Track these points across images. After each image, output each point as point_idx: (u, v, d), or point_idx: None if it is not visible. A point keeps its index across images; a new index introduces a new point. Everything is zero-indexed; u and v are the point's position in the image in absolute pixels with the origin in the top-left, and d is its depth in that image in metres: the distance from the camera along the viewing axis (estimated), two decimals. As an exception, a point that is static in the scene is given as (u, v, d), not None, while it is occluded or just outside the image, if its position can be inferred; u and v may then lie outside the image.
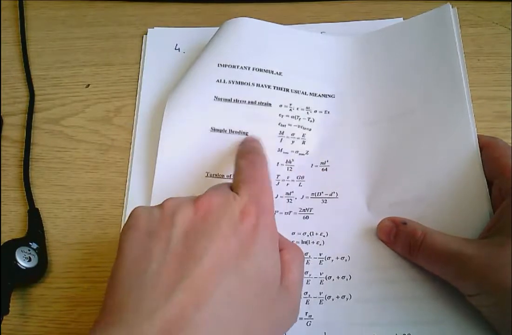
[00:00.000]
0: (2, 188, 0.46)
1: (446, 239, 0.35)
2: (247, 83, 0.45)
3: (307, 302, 0.38)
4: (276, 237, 0.33)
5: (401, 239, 0.38)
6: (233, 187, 0.34)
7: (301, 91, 0.46)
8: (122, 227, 0.38)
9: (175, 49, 0.52)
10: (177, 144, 0.44)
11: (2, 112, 0.50)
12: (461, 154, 0.39)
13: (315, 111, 0.45)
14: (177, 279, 0.28)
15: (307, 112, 0.45)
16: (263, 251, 0.31)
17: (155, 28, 0.53)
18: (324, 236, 0.40)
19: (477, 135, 0.39)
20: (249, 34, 0.46)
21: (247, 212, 0.31)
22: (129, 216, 0.33)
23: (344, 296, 0.38)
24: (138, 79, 0.51)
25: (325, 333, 0.37)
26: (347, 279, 0.38)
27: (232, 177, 0.42)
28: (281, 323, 0.32)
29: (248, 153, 0.37)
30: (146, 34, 0.53)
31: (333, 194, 0.42)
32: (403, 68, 0.44)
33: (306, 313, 0.37)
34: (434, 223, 0.37)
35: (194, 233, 0.30)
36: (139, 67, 0.51)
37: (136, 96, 0.50)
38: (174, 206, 0.32)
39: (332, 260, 0.39)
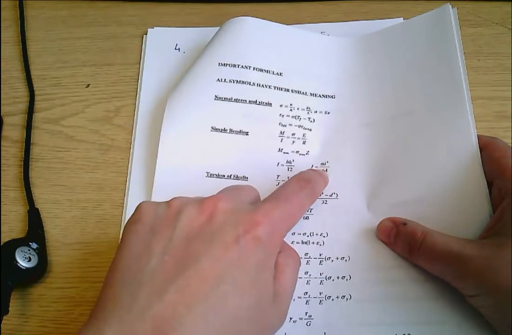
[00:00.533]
0: (2, 188, 0.46)
1: (446, 240, 0.35)
2: (248, 83, 0.45)
3: (307, 302, 0.38)
4: (275, 256, 0.32)
5: (401, 240, 0.37)
6: (265, 198, 0.35)
7: (302, 92, 0.46)
8: (122, 227, 0.39)
9: (175, 49, 0.52)
10: (177, 143, 0.43)
11: (2, 112, 0.50)
12: (461, 154, 0.39)
13: (315, 112, 0.45)
14: (172, 278, 0.28)
15: (308, 112, 0.45)
16: (261, 266, 0.30)
17: (155, 28, 0.53)
18: (324, 236, 0.40)
19: (477, 135, 0.39)
20: (250, 33, 0.46)
21: (255, 225, 0.31)
22: (135, 210, 0.33)
23: (344, 296, 0.38)
24: (138, 79, 0.51)
25: (325, 333, 0.37)
26: (347, 279, 0.38)
27: (232, 177, 0.43)
28: (268, 331, 0.32)
29: (306, 180, 0.38)
30: (146, 34, 0.53)
31: (333, 194, 0.42)
32: (403, 69, 0.44)
33: (306, 313, 0.37)
34: (434, 223, 0.37)
35: (195, 235, 0.30)
36: (139, 67, 0.51)
37: (136, 96, 0.50)
38: (180, 205, 0.32)
39: (332, 261, 0.39)
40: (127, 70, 0.52)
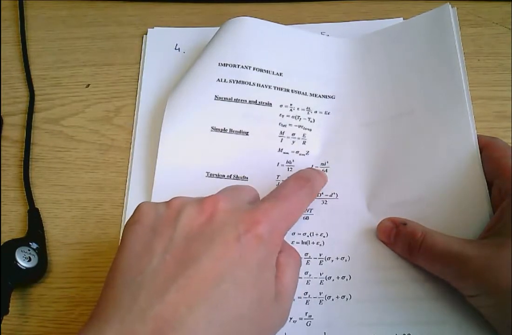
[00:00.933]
0: (2, 188, 0.46)
1: (446, 240, 0.35)
2: (248, 83, 0.45)
3: (307, 302, 0.38)
4: (276, 255, 0.32)
5: (401, 240, 0.37)
6: (264, 197, 0.35)
7: (302, 92, 0.46)
8: (122, 227, 0.39)
9: (175, 49, 0.52)
10: (177, 143, 0.43)
11: (2, 112, 0.50)
12: (461, 154, 0.39)
13: (315, 112, 0.45)
14: (172, 278, 0.28)
15: (308, 112, 0.45)
16: (262, 265, 0.30)
17: (155, 28, 0.53)
18: (324, 236, 0.40)
19: (477, 135, 0.39)
20: (250, 33, 0.46)
21: (255, 224, 0.31)
22: (134, 211, 0.33)
23: (344, 296, 0.38)
24: (138, 79, 0.51)
25: (325, 333, 0.37)
26: (347, 279, 0.38)
27: (232, 177, 0.43)
28: (270, 331, 0.32)
29: (305, 179, 0.38)
30: (146, 34, 0.53)
31: (333, 195, 0.42)
32: (402, 69, 0.44)
33: (306, 313, 0.37)
34: (434, 223, 0.37)
35: (195, 235, 0.30)
36: (139, 67, 0.51)
37: (136, 96, 0.50)
38: (180, 205, 0.32)
39: (332, 261, 0.39)
40: (127, 70, 0.52)
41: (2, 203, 0.46)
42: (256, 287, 0.30)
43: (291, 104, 0.45)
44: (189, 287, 0.28)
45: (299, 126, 0.45)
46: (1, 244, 0.41)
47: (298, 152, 0.44)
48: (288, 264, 0.33)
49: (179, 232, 0.30)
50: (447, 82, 0.41)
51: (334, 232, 0.40)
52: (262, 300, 0.30)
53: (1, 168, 0.47)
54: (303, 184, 0.37)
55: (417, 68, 0.44)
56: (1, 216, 0.45)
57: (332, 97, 0.46)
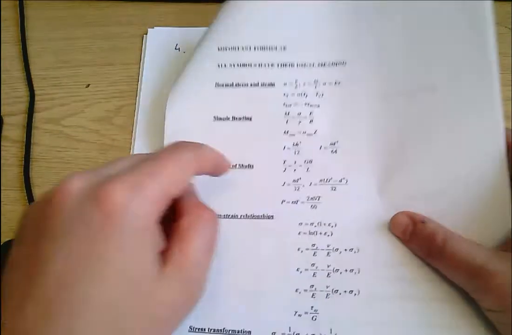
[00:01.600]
0: (2, 188, 0.46)
1: (470, 249, 0.33)
2: (249, 65, 0.43)
3: (313, 295, 0.37)
4: (153, 226, 0.28)
5: (418, 239, 0.36)
6: None
7: (308, 64, 0.43)
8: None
9: (175, 49, 0.52)
10: (180, 135, 0.42)
11: (2, 112, 0.50)
12: (487, 147, 0.36)
13: (324, 84, 0.42)
14: (27, 289, 0.26)
15: (315, 86, 0.42)
16: (124, 248, 0.26)
17: (155, 28, 0.53)
18: (332, 226, 0.39)
19: (505, 128, 0.36)
20: (248, 13, 0.43)
21: (106, 195, 0.26)
22: None
23: (352, 291, 0.36)
24: (138, 79, 0.51)
25: (331, 329, 0.36)
26: (355, 273, 0.37)
27: (237, 166, 0.42)
28: (169, 313, 0.28)
29: (190, 144, 0.33)
30: (146, 34, 0.53)
31: (342, 180, 0.40)
32: (426, 33, 0.39)
33: (312, 307, 0.36)
34: (450, 218, 0.36)
35: (40, 231, 0.28)
36: (139, 67, 0.51)
37: (136, 96, 0.50)
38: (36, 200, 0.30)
39: (340, 252, 0.38)
40: (127, 70, 0.52)
41: (2, 203, 0.45)
42: (123, 276, 0.26)
43: (296, 80, 0.42)
44: (42, 297, 0.25)
45: (305, 104, 0.42)
46: (1, 244, 0.41)
47: (305, 132, 0.41)
48: (194, 229, 0.30)
49: (22, 232, 0.29)
50: (478, 60, 0.37)
51: (343, 222, 0.38)
52: (136, 284, 0.27)
53: (1, 168, 0.47)
54: (186, 145, 0.32)
55: (443, 35, 0.39)
56: (1, 216, 0.45)
57: (342, 63, 0.42)
